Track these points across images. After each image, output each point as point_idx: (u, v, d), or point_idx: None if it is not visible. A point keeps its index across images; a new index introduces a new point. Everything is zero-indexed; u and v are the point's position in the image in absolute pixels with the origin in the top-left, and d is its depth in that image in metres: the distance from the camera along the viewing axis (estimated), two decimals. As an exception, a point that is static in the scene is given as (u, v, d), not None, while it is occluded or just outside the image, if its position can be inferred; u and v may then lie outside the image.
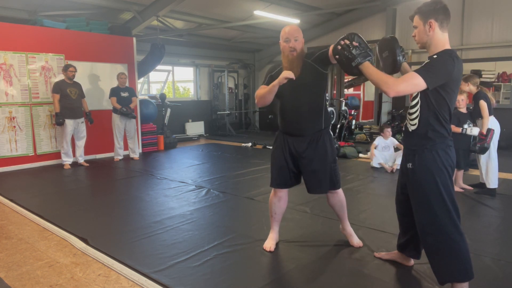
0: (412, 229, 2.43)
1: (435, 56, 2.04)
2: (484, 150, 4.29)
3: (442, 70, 1.98)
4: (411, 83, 1.97)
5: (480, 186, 4.70)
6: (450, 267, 2.13)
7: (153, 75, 11.10)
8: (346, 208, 3.09)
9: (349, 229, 3.13)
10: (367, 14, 9.64)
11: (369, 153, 6.18)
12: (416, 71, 2.00)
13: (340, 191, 3.01)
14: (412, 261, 2.67)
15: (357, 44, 2.15)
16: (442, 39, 2.09)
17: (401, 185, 2.45)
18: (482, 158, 4.52)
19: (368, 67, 2.12)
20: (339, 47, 2.20)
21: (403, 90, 1.98)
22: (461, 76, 2.13)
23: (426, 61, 2.07)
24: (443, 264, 2.14)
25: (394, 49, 2.23)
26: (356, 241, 3.07)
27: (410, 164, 2.22)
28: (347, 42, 2.16)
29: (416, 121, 2.17)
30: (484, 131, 4.28)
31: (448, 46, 2.09)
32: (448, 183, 2.12)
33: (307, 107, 2.75)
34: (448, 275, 2.15)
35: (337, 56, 2.25)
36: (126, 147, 7.26)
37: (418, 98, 2.15)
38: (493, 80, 8.00)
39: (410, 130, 2.23)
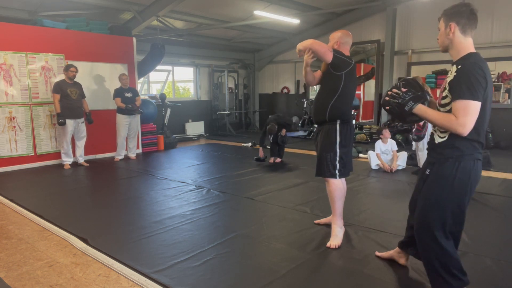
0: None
1: (460, 67, 1.95)
2: (420, 138, 5.39)
3: (478, 81, 1.89)
4: (473, 112, 1.88)
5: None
6: (436, 275, 2.13)
7: (153, 75, 11.10)
8: (338, 206, 3.13)
9: (333, 226, 3.15)
10: (367, 14, 9.64)
11: (368, 153, 6.17)
12: (458, 96, 1.90)
13: (331, 182, 3.10)
14: (406, 261, 2.66)
15: (405, 90, 2.12)
16: (464, 43, 2.02)
17: (416, 188, 2.35)
18: (422, 146, 5.51)
19: (424, 110, 2.05)
20: (387, 98, 2.17)
21: (471, 123, 1.90)
22: (492, 82, 2.01)
23: (454, 70, 1.98)
24: (431, 271, 2.16)
25: (421, 89, 2.19)
26: (330, 242, 3.06)
27: (428, 170, 2.14)
28: (395, 90, 2.15)
29: (446, 134, 2.03)
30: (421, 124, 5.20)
31: (472, 50, 2.01)
32: (456, 196, 2.01)
33: (318, 99, 3.17)
34: (435, 283, 2.15)
35: (387, 108, 2.19)
36: (127, 147, 7.27)
37: (451, 105, 1.97)
38: (493, 80, 7.99)
39: (437, 142, 2.09)
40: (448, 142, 2.03)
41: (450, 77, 2.00)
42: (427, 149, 2.23)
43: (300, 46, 3.00)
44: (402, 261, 2.67)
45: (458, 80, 1.92)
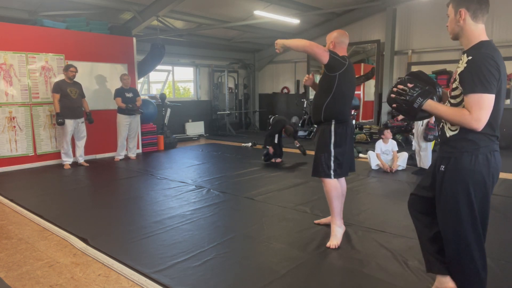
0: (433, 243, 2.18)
1: (470, 58, 1.84)
2: (436, 137, 5.31)
3: (490, 73, 1.79)
4: (487, 105, 1.79)
5: (420, 171, 5.53)
6: (462, 277, 2.02)
7: (153, 75, 11.10)
8: (336, 205, 3.13)
9: (332, 226, 3.16)
10: (367, 14, 9.64)
11: (368, 153, 6.17)
12: (470, 89, 1.81)
13: (327, 182, 3.11)
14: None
15: (411, 85, 2.00)
16: (475, 30, 1.90)
17: (422, 187, 2.20)
18: (425, 146, 5.50)
19: (435, 106, 1.93)
20: (393, 95, 2.05)
21: (486, 117, 1.81)
22: (505, 72, 1.90)
23: (465, 61, 1.87)
24: (456, 273, 2.04)
25: (432, 84, 2.07)
26: (329, 242, 3.07)
27: (443, 166, 1.99)
28: (400, 86, 2.03)
29: (457, 127, 1.93)
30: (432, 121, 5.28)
31: (484, 38, 1.89)
32: (480, 191, 1.91)
33: (315, 100, 3.23)
34: (460, 284, 2.05)
35: (394, 105, 2.06)
36: (127, 147, 7.27)
37: (461, 97, 1.89)
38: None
39: (448, 135, 1.98)
40: (460, 136, 1.92)
41: (460, 68, 1.90)
42: (439, 143, 2.12)
43: (291, 45, 2.96)
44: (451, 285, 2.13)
45: (470, 72, 1.82)
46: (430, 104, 1.95)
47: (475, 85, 1.80)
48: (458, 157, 1.93)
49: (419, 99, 1.96)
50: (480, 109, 1.79)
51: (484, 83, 1.78)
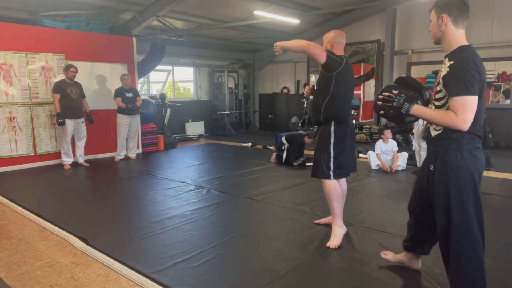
0: (422, 235, 2.36)
1: (452, 63, 1.94)
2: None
3: (472, 76, 1.88)
4: (471, 107, 1.89)
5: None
6: (458, 274, 2.03)
7: (153, 75, 11.09)
8: (336, 206, 3.12)
9: (333, 226, 3.16)
10: (367, 14, 9.64)
11: (368, 153, 6.17)
12: (455, 92, 1.90)
13: (326, 183, 3.11)
14: (420, 264, 2.57)
15: (396, 92, 2.08)
16: (456, 35, 2.00)
17: (418, 190, 2.31)
18: (425, 145, 5.63)
19: (422, 110, 2.03)
20: (379, 103, 2.12)
21: (471, 117, 1.91)
22: (485, 74, 1.99)
23: (447, 65, 1.97)
24: (452, 270, 2.05)
25: (419, 88, 2.16)
26: (329, 242, 3.06)
27: (432, 166, 2.08)
28: (386, 94, 2.10)
29: (441, 126, 2.02)
30: None
31: (464, 42, 1.99)
32: (469, 187, 1.96)
33: (314, 101, 3.21)
34: (455, 282, 2.06)
35: (382, 112, 2.13)
36: (127, 147, 7.27)
37: (445, 99, 1.99)
38: (493, 80, 8.00)
39: (433, 135, 2.08)
40: (444, 135, 2.02)
41: (443, 72, 1.99)
42: (426, 143, 2.22)
43: (289, 46, 2.96)
44: (414, 265, 2.58)
45: (453, 76, 1.92)
46: (417, 109, 2.05)
47: (459, 88, 1.90)
48: (444, 155, 2.02)
49: (406, 105, 2.05)
50: (465, 110, 1.90)
51: (467, 86, 1.89)
